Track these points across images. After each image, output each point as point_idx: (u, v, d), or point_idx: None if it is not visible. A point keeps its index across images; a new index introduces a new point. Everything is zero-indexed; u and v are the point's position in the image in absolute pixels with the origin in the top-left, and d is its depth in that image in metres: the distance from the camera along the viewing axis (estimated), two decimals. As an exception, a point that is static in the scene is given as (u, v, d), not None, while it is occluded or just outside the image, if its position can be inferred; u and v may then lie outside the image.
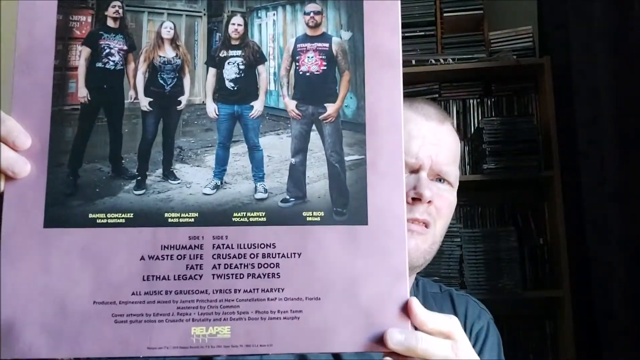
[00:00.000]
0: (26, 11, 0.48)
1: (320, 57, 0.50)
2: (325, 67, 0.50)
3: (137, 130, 0.49)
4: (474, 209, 1.99)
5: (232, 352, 0.46)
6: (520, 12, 2.10)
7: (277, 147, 0.49)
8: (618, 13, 1.62)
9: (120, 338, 0.45)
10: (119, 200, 0.47)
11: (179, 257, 0.47)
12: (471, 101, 2.03)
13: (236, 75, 0.50)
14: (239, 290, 0.46)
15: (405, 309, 0.47)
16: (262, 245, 0.47)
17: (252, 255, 0.47)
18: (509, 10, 2.11)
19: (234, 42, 0.51)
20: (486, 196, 2.00)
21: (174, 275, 0.46)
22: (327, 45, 0.50)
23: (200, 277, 0.46)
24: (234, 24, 0.51)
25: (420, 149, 0.71)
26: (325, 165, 0.49)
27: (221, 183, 0.48)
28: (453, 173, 0.75)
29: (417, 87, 2.01)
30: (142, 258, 0.46)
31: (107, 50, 0.49)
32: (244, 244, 0.47)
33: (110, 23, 0.49)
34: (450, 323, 0.49)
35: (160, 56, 0.50)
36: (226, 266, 0.47)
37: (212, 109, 0.50)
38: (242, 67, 0.50)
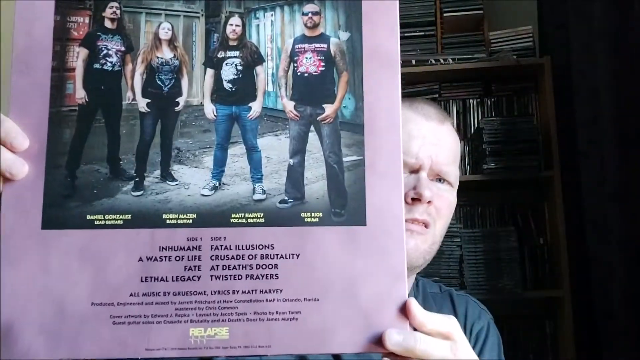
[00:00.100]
0: (23, 12, 0.48)
1: (319, 57, 0.50)
2: (323, 68, 0.50)
3: (135, 132, 0.49)
4: (474, 209, 1.99)
5: (230, 353, 0.46)
6: (520, 12, 2.10)
7: (275, 148, 0.49)
8: (618, 13, 1.62)
9: (118, 339, 0.45)
10: (117, 202, 0.47)
11: (177, 258, 0.46)
12: (471, 101, 2.03)
13: (234, 76, 0.50)
14: (238, 291, 0.46)
15: (404, 310, 0.47)
16: (261, 246, 0.47)
17: (251, 256, 0.47)
18: (509, 10, 2.11)
19: (231, 43, 0.51)
20: (486, 196, 2.00)
21: (172, 277, 0.46)
22: (325, 45, 0.50)
23: (199, 278, 0.46)
24: (231, 24, 0.51)
25: (420, 149, 0.71)
26: (324, 166, 0.49)
27: (219, 184, 0.48)
28: (453, 173, 0.75)
29: (417, 87, 2.01)
30: (140, 259, 0.46)
31: (105, 52, 0.49)
32: (242, 245, 0.47)
33: (107, 24, 0.49)
34: (449, 324, 0.49)
35: (158, 57, 0.50)
36: (224, 267, 0.47)
37: (210, 110, 0.50)
38: (240, 68, 0.50)
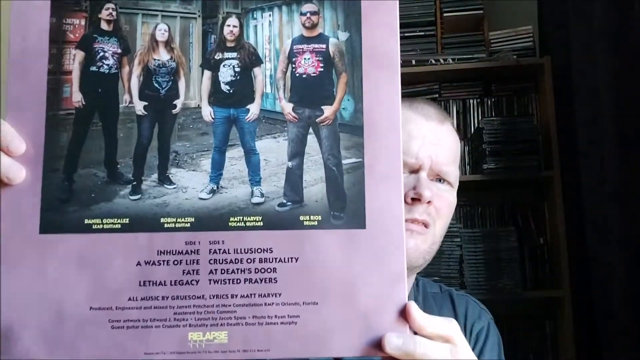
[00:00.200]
0: (19, 14, 0.47)
1: (317, 58, 0.50)
2: (322, 69, 0.50)
3: (133, 135, 0.48)
4: (474, 209, 1.98)
5: (229, 357, 0.45)
6: (520, 12, 2.09)
7: (273, 150, 0.49)
8: (618, 13, 1.62)
9: (117, 344, 0.45)
10: (115, 206, 0.47)
11: (176, 262, 0.46)
12: (471, 101, 2.02)
13: (232, 78, 0.50)
14: (236, 296, 0.46)
15: (404, 313, 0.46)
16: (259, 250, 0.47)
17: (249, 260, 0.47)
18: (509, 10, 2.10)
19: (229, 44, 0.50)
20: (486, 196, 2.00)
21: (171, 281, 0.46)
22: (324, 46, 0.50)
23: (197, 282, 0.46)
24: (229, 25, 0.50)
25: (420, 149, 0.71)
26: (323, 168, 0.49)
27: (217, 187, 0.48)
28: (453, 173, 0.75)
29: (417, 87, 2.01)
30: (139, 263, 0.46)
31: (101, 54, 0.49)
32: (241, 249, 0.47)
33: (104, 26, 0.49)
34: (449, 327, 0.49)
35: (154, 59, 0.49)
36: (223, 271, 0.46)
37: (207, 112, 0.49)
38: (237, 69, 0.50)
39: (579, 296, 1.76)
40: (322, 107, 0.49)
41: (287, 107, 0.50)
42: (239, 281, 0.46)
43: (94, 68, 0.48)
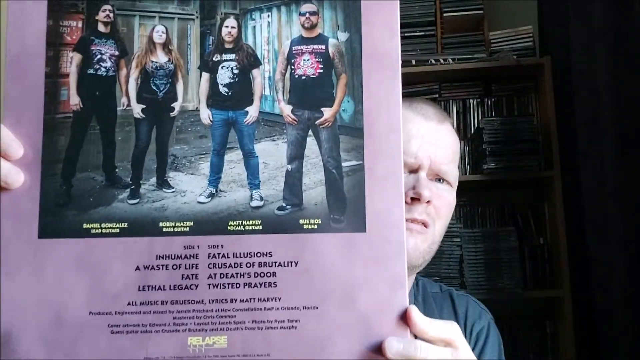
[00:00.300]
0: (16, 16, 0.47)
1: (317, 59, 0.49)
2: (321, 70, 0.49)
3: (131, 138, 0.48)
4: (474, 209, 1.98)
5: (229, 362, 0.45)
6: (520, 12, 2.09)
7: (272, 153, 0.48)
8: (618, 13, 1.61)
9: (116, 348, 0.45)
10: (113, 210, 0.46)
11: (175, 266, 0.46)
12: (471, 101, 2.02)
13: (230, 80, 0.49)
14: (236, 300, 0.46)
15: (405, 317, 0.46)
16: (258, 254, 0.46)
17: (248, 265, 0.46)
18: (509, 10, 2.10)
19: (227, 46, 0.50)
20: (486, 196, 1.99)
21: (170, 285, 0.46)
22: (323, 47, 0.49)
23: (196, 286, 0.46)
24: (227, 26, 0.50)
25: (419, 148, 0.71)
26: (322, 171, 0.48)
27: (216, 191, 0.47)
28: (452, 173, 0.75)
29: (417, 87, 2.01)
30: (138, 268, 0.46)
31: (99, 56, 0.48)
32: (240, 253, 0.46)
33: (101, 28, 0.48)
34: (450, 330, 0.48)
35: (152, 61, 0.49)
36: (222, 276, 0.46)
37: (205, 115, 0.49)
38: (236, 71, 0.49)
39: (579, 296, 1.76)
40: (322, 109, 0.49)
41: (286, 109, 0.49)
42: (238, 285, 0.46)
43: (91, 71, 0.48)
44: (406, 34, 1.98)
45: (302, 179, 0.48)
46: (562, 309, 1.79)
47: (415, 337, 0.47)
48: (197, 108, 0.49)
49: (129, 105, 0.48)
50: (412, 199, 0.69)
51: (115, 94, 0.48)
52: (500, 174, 1.86)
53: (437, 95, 2.03)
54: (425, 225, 0.71)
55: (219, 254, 0.46)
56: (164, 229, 0.46)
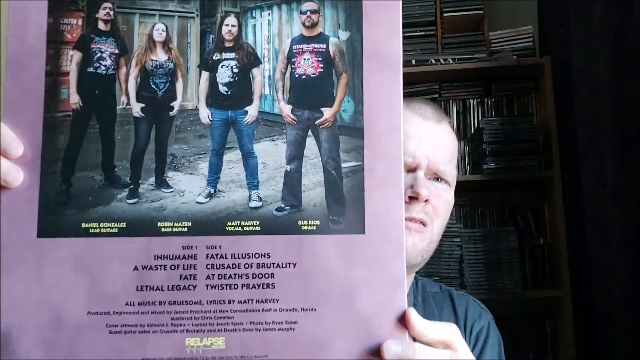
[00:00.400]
0: (17, 14, 0.47)
1: (317, 59, 0.49)
2: (321, 70, 0.49)
3: (130, 137, 0.48)
4: (474, 209, 1.98)
5: (227, 362, 0.45)
6: (520, 12, 2.09)
7: (272, 153, 0.48)
8: (618, 13, 1.61)
9: (114, 349, 0.44)
10: (112, 209, 0.46)
11: (173, 267, 0.46)
12: (471, 101, 2.02)
13: (230, 79, 0.49)
14: (234, 301, 0.46)
15: (403, 320, 0.46)
16: (257, 255, 0.46)
17: (247, 266, 0.46)
18: (509, 10, 2.10)
19: (227, 44, 0.49)
20: (486, 196, 1.99)
21: (168, 286, 0.45)
22: (324, 46, 0.49)
23: (194, 287, 0.46)
24: (227, 24, 0.49)
25: (417, 148, 0.71)
26: (322, 172, 0.48)
27: (215, 191, 0.47)
28: (450, 172, 0.75)
29: (417, 87, 2.01)
30: (136, 268, 0.45)
31: (99, 55, 0.48)
32: (238, 254, 0.46)
33: (101, 26, 0.48)
34: (449, 332, 0.48)
35: (152, 60, 0.49)
36: (220, 276, 0.46)
37: (205, 114, 0.49)
38: (235, 70, 0.49)
39: (579, 296, 1.76)
40: (322, 108, 0.49)
41: (286, 109, 0.49)
42: (236, 287, 0.46)
43: (91, 69, 0.48)
44: (406, 34, 1.98)
45: (302, 180, 0.48)
46: (562, 309, 1.79)
47: (414, 339, 0.46)
48: (196, 107, 0.49)
49: (128, 104, 0.48)
50: (410, 198, 0.69)
51: (115, 92, 0.48)
52: (500, 174, 1.85)
53: (437, 95, 2.03)
54: (423, 224, 0.71)
55: (217, 254, 0.46)
56: (163, 229, 0.46)
